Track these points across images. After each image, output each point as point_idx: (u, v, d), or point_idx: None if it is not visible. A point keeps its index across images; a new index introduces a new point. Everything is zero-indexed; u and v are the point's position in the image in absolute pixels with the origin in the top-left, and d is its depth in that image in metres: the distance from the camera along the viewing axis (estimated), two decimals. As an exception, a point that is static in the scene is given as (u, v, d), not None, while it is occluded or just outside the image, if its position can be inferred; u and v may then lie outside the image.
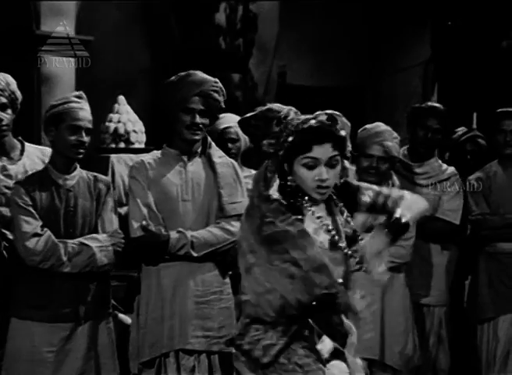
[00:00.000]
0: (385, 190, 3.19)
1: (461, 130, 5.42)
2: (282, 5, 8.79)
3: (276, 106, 4.26)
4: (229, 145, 4.63)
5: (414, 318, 4.53)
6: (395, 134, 4.45)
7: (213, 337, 3.90)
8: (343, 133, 3.05)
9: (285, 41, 9.18)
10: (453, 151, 5.34)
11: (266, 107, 4.33)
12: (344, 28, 9.20)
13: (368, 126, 4.50)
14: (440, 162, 4.93)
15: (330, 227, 3.02)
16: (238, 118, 4.81)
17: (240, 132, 4.79)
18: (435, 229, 4.74)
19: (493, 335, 4.78)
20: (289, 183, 3.00)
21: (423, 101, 9.18)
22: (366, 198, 3.12)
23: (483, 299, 4.79)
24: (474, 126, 7.31)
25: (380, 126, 4.47)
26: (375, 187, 3.20)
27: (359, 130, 4.51)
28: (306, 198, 3.01)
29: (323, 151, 2.97)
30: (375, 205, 3.13)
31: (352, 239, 3.07)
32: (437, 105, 5.00)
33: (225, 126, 4.47)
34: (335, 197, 3.09)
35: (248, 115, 4.83)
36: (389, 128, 4.46)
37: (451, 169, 4.89)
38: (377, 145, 4.38)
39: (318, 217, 3.00)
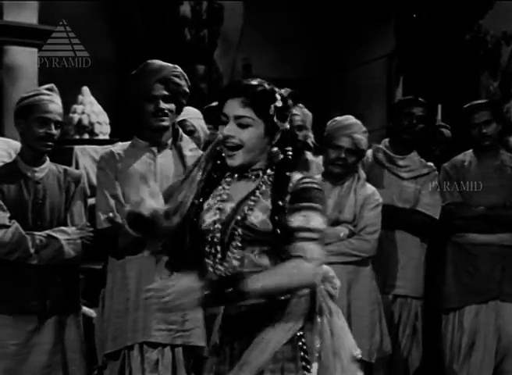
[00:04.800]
0: (313, 234, 2.72)
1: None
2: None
3: None
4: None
5: (383, 309, 4.55)
6: (364, 128, 4.48)
7: (176, 330, 3.87)
8: (261, 90, 2.75)
9: (249, 33, 9.17)
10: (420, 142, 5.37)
11: None
12: (308, 20, 9.21)
13: (337, 118, 4.52)
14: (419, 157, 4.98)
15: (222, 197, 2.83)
16: (194, 110, 4.85)
17: (197, 123, 4.79)
18: (415, 222, 4.78)
19: (458, 326, 4.81)
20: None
21: (388, 93, 9.25)
22: (295, 221, 2.73)
23: (449, 289, 4.82)
24: (439, 117, 7.37)
25: (350, 118, 4.49)
26: (315, 218, 2.74)
27: (328, 122, 4.53)
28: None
29: (232, 106, 2.75)
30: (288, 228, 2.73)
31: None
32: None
33: (181, 118, 4.45)
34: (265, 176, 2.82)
35: (213, 104, 4.82)
36: (358, 121, 4.48)
37: (430, 164, 4.94)
38: (346, 137, 4.39)
39: (223, 188, 2.84)
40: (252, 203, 2.77)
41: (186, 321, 3.90)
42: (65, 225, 3.94)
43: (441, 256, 4.89)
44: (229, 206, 2.81)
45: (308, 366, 2.76)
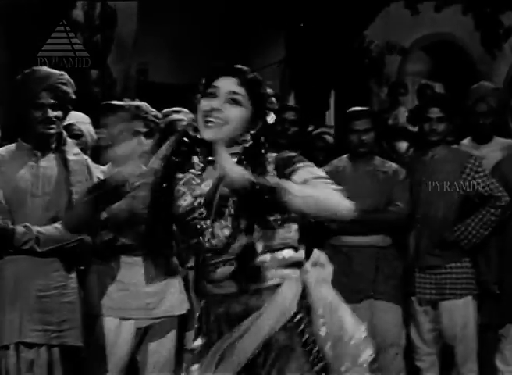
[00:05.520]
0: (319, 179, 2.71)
1: (312, 127, 5.67)
2: (141, 2, 8.85)
3: (146, 107, 4.37)
4: (74, 141, 4.67)
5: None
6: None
7: (53, 330, 3.93)
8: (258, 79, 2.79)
9: (146, 38, 9.24)
10: (304, 147, 5.55)
11: (136, 103, 4.41)
12: (204, 25, 9.33)
13: None
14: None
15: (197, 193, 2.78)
16: (81, 115, 4.92)
17: (84, 128, 4.87)
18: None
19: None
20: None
21: (281, 100, 9.43)
22: (299, 178, 2.69)
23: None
24: (327, 123, 7.59)
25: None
26: (315, 169, 2.76)
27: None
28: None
29: (226, 82, 2.73)
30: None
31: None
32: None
33: (69, 123, 4.52)
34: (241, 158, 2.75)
35: (117, 103, 4.89)
36: None
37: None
38: None
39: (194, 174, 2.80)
40: None
41: (64, 322, 3.97)
42: None
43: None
44: (204, 187, 2.76)
45: (311, 352, 2.70)
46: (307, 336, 2.71)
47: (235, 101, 2.73)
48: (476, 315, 4.96)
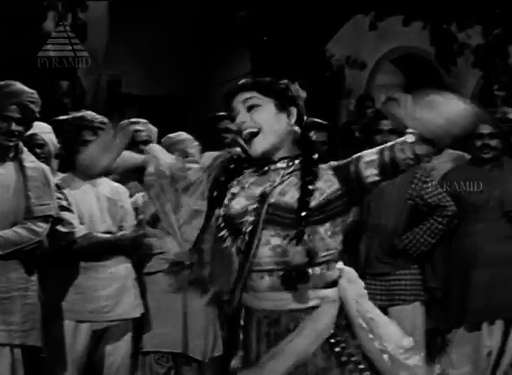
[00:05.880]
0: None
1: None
2: (112, 15, 8.99)
3: (90, 115, 4.54)
4: (38, 151, 4.84)
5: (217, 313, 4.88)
6: (196, 143, 4.85)
7: (15, 330, 4.09)
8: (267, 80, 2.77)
9: (118, 50, 9.37)
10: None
11: (80, 114, 4.61)
12: (176, 38, 9.48)
13: (170, 135, 4.88)
14: None
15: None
16: (44, 125, 5.08)
17: (47, 137, 5.04)
18: None
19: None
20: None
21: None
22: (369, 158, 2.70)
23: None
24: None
25: (182, 134, 4.88)
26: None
27: (162, 139, 4.88)
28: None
29: (236, 97, 2.74)
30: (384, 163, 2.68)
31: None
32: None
33: (32, 132, 4.69)
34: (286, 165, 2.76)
35: (61, 117, 5.07)
36: (190, 137, 4.84)
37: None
38: (179, 151, 4.74)
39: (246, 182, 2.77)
40: (285, 187, 2.70)
41: (26, 322, 4.12)
42: None
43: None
44: (258, 192, 2.73)
45: (350, 372, 2.67)
46: (344, 356, 2.69)
47: (253, 105, 2.72)
48: (424, 320, 5.12)
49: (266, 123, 2.71)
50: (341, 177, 2.72)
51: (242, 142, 2.73)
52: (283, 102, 2.74)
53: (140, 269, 4.66)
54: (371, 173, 2.70)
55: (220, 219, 2.73)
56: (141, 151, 5.02)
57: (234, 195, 2.75)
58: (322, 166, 2.74)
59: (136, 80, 9.76)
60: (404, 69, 12.23)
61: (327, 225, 2.71)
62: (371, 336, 2.70)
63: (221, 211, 2.73)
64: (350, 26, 8.32)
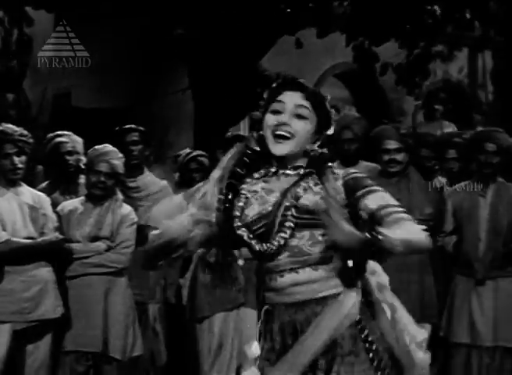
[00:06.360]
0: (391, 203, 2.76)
1: (184, 151, 6.07)
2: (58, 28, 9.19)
3: (10, 128, 4.80)
4: None
5: (137, 315, 5.17)
6: (120, 154, 5.12)
7: None
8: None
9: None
10: (180, 170, 5.97)
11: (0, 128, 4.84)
12: (121, 52, 9.72)
13: (96, 146, 5.13)
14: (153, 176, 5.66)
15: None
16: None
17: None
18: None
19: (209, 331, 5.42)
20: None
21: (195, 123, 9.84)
22: (372, 204, 2.74)
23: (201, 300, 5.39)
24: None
25: (107, 146, 5.13)
26: (386, 195, 2.79)
27: (89, 150, 5.15)
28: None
29: (292, 96, 2.78)
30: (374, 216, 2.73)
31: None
32: None
33: None
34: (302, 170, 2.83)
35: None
36: (115, 149, 5.11)
37: (164, 182, 5.61)
38: (104, 163, 5.03)
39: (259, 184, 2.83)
40: (300, 190, 2.77)
41: None
42: None
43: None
44: (272, 197, 2.80)
45: (375, 358, 2.74)
46: (370, 342, 2.76)
47: (301, 115, 2.78)
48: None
49: (301, 136, 2.79)
50: (346, 193, 2.79)
51: (270, 136, 2.78)
52: (322, 128, 2.84)
53: (62, 273, 4.93)
54: (364, 215, 2.77)
55: (237, 229, 2.80)
56: (66, 162, 5.29)
57: (245, 204, 2.81)
58: (336, 171, 2.82)
59: (86, 92, 9.98)
60: (348, 83, 12.57)
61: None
62: (391, 319, 2.78)
63: (237, 222, 2.79)
64: (282, 44, 8.59)
